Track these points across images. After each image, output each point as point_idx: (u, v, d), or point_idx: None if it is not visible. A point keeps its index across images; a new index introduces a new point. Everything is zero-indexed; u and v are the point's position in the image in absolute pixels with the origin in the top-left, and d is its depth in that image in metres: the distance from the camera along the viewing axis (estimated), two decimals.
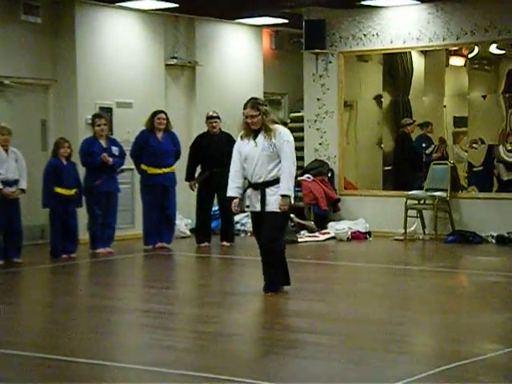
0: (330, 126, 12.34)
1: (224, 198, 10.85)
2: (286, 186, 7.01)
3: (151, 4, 11.46)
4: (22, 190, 9.25)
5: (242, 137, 7.20)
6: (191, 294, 7.92)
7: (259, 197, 7.08)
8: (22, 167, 9.25)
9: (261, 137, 7.06)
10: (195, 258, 10.36)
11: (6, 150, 9.18)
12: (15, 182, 9.21)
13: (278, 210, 7.03)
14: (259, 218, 7.17)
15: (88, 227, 10.22)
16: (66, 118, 11.19)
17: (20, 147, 10.61)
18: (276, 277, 7.19)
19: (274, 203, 7.05)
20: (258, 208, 7.12)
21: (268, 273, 7.19)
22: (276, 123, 7.15)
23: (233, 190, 7.24)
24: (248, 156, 7.11)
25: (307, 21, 12.23)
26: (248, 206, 7.25)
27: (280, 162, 7.03)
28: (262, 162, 7.04)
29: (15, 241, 9.28)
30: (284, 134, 7.06)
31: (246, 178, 7.24)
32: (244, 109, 7.09)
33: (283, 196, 7.01)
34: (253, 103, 7.05)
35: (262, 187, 7.07)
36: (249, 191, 7.18)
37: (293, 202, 7.20)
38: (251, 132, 7.11)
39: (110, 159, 9.88)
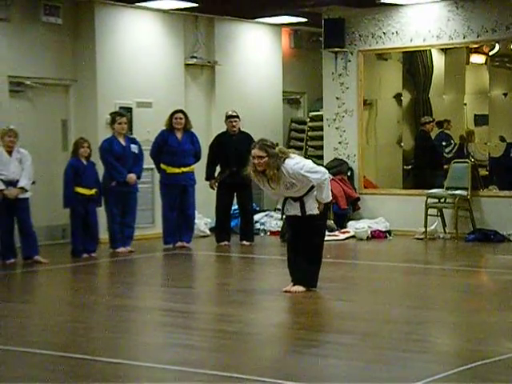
0: (349, 125, 12.31)
1: (243, 197, 11.00)
2: (325, 196, 7.13)
3: (171, 4, 11.49)
4: (23, 189, 9.23)
5: (255, 179, 7.18)
6: (211, 293, 7.94)
7: (299, 204, 7.16)
8: (26, 166, 9.24)
9: (273, 183, 7.04)
10: (215, 257, 10.37)
11: (11, 152, 9.21)
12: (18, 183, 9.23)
13: (316, 213, 7.15)
14: (297, 219, 7.25)
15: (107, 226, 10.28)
16: (86, 118, 11.25)
17: (41, 147, 10.73)
18: (315, 273, 7.31)
19: (312, 208, 7.13)
20: (294, 213, 7.22)
21: (306, 268, 7.27)
22: (287, 157, 6.97)
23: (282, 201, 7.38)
24: (275, 194, 7.26)
25: (326, 19, 12.21)
26: (279, 209, 7.34)
27: (306, 181, 7.05)
28: (291, 194, 7.15)
29: (29, 241, 9.32)
30: (295, 171, 6.92)
31: None
32: (252, 149, 7.04)
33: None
34: (261, 145, 6.97)
35: (300, 199, 7.17)
36: (288, 200, 7.27)
37: (329, 199, 7.27)
38: (263, 176, 7.03)
39: (134, 178, 10.05)
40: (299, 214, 7.17)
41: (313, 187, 7.11)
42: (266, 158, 6.91)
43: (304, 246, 7.24)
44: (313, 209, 7.15)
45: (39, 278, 8.84)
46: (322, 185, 7.07)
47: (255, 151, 6.95)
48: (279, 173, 6.92)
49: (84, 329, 6.20)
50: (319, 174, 7.06)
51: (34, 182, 9.48)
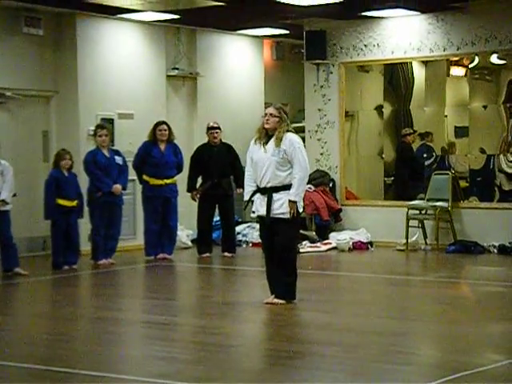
0: (331, 137, 12.36)
1: (225, 209, 11.01)
2: (295, 192, 7.09)
3: (152, 15, 11.49)
4: (3, 201, 9.18)
5: (255, 140, 7.31)
6: (193, 304, 7.92)
7: (266, 201, 7.14)
8: (7, 179, 9.20)
9: (271, 143, 7.18)
10: (197, 269, 10.35)
11: None
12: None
13: (285, 217, 7.09)
14: (265, 223, 7.22)
15: (89, 238, 10.23)
16: (67, 130, 11.21)
17: (22, 158, 10.67)
18: (292, 285, 7.27)
19: (279, 208, 7.11)
20: (262, 212, 7.18)
21: (284, 281, 7.24)
22: (290, 131, 7.27)
23: (249, 193, 7.34)
24: (258, 161, 7.21)
25: (308, 31, 12.26)
26: (254, 212, 7.30)
27: (290, 169, 7.11)
28: (271, 168, 7.13)
29: (10, 253, 9.25)
30: (294, 141, 7.17)
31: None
32: (267, 107, 7.35)
33: (291, 201, 7.08)
34: (278, 106, 7.32)
35: (269, 192, 7.14)
36: (256, 196, 7.26)
37: (301, 209, 7.22)
38: (265, 137, 7.23)
39: (120, 188, 10.02)
40: (263, 213, 7.12)
41: (289, 187, 7.08)
42: (278, 119, 7.16)
43: (277, 257, 7.20)
44: (280, 209, 7.09)
45: (19, 290, 8.78)
46: (298, 178, 7.05)
47: (270, 109, 7.26)
48: (284, 135, 7.14)
49: (65, 341, 6.16)
50: (303, 164, 7.09)
51: (15, 195, 9.43)
